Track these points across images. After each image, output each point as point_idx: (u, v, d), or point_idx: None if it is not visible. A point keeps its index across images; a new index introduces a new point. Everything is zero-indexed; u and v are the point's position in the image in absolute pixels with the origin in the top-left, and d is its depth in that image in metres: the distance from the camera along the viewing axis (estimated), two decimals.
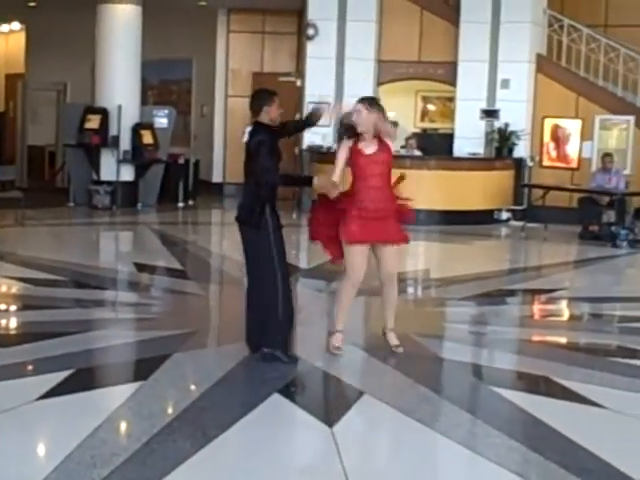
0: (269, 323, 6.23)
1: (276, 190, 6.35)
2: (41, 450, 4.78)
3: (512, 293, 9.72)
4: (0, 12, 18.42)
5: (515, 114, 15.45)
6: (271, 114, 6.33)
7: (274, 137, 6.31)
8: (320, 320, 7.60)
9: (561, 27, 15.85)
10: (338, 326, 6.63)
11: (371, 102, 6.67)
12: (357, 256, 6.45)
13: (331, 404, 5.88)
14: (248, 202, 6.33)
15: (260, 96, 6.44)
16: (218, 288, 9.76)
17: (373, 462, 4.66)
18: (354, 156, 6.48)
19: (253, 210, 6.24)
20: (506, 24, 15.51)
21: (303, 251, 13.23)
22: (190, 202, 16.75)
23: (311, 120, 6.77)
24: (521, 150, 15.49)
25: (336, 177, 6.47)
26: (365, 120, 6.46)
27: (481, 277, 10.07)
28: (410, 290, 9.99)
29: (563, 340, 7.78)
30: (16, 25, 21.23)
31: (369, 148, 6.49)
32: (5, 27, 21.32)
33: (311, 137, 16.12)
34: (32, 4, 18.44)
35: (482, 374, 6.57)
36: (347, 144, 6.54)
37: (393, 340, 6.69)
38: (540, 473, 4.45)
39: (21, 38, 21.19)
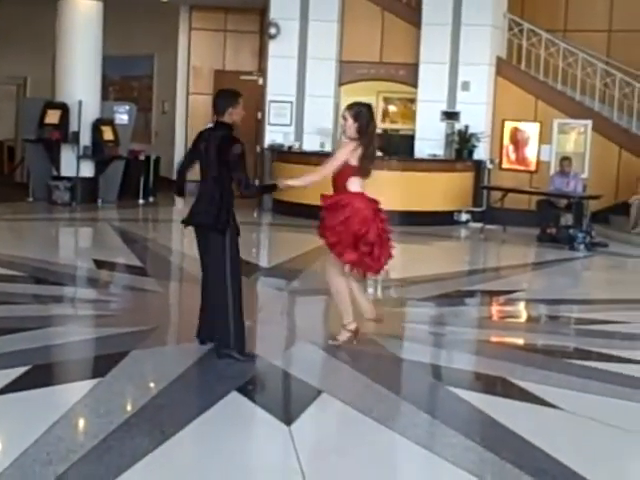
0: (221, 324, 6.25)
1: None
2: None
3: (471, 294, 9.78)
4: None
5: (475, 116, 15.55)
6: (234, 116, 6.33)
7: None
8: (280, 318, 7.60)
9: (521, 31, 15.98)
10: (349, 317, 6.87)
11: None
12: None
13: (289, 402, 5.90)
14: (213, 207, 6.25)
15: (226, 96, 6.41)
16: (177, 286, 9.72)
17: (330, 460, 4.67)
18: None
19: (219, 216, 6.22)
20: (467, 27, 15.59)
21: (263, 249, 13.26)
22: (150, 199, 16.68)
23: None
24: (481, 152, 15.59)
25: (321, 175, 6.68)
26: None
27: (440, 278, 10.13)
28: (370, 290, 10.02)
29: (520, 341, 7.85)
30: None
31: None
32: None
33: (272, 135, 16.13)
34: None
35: (440, 374, 6.61)
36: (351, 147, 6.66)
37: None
38: (495, 473, 4.49)
39: None
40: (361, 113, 6.74)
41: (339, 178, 6.65)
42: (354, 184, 6.67)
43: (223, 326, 6.23)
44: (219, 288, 6.25)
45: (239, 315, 6.27)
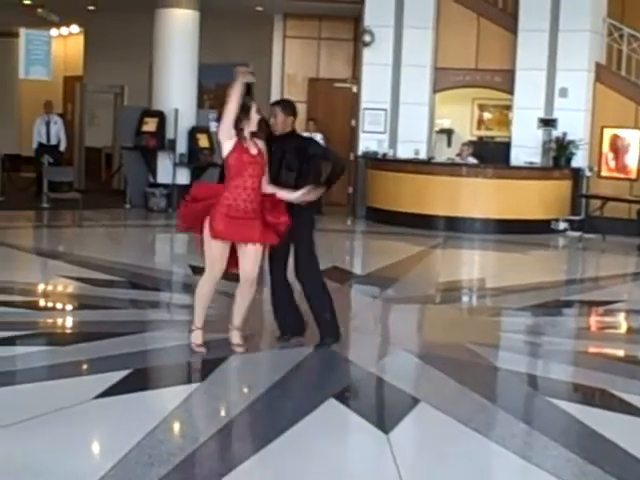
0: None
1: None
2: (99, 448, 4.82)
3: (569, 304, 9.61)
4: (59, 15, 18.62)
5: (573, 123, 15.30)
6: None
7: None
8: (374, 326, 7.56)
9: (621, 36, 15.68)
10: (199, 323, 6.58)
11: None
12: (216, 251, 6.41)
13: (386, 410, 5.86)
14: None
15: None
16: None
17: (429, 469, 4.62)
18: (238, 154, 6.36)
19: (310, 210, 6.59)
20: (565, 32, 15.35)
21: (357, 257, 13.24)
22: None
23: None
24: (579, 160, 15.32)
25: None
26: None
27: (538, 287, 9.96)
28: (465, 299, 9.93)
29: (621, 353, 7.66)
30: (75, 28, 21.47)
31: (253, 148, 6.42)
32: (64, 30, 21.56)
33: (366, 143, 16.11)
34: (91, 8, 18.64)
35: (538, 384, 6.50)
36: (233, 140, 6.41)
37: (235, 339, 6.60)
38: None
39: (80, 41, 21.44)
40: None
41: None
42: None
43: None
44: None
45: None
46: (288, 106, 6.80)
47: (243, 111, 6.39)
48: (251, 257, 6.50)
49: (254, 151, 6.40)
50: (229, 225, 6.30)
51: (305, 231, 6.75)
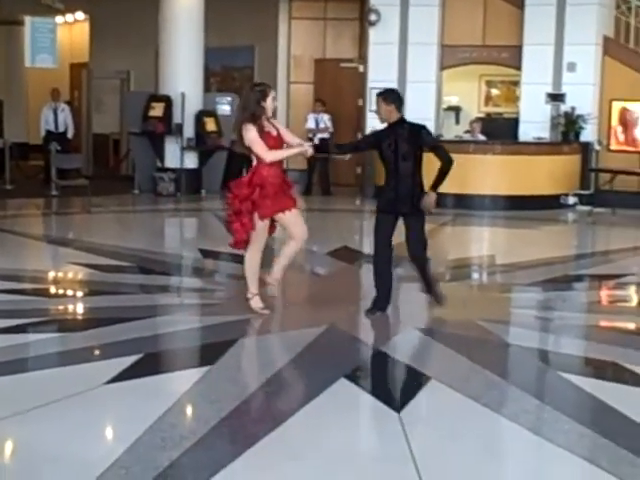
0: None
1: None
2: (111, 433, 4.84)
3: (579, 278, 9.59)
4: (65, 2, 18.59)
5: (581, 98, 15.23)
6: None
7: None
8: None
9: (629, 8, 15.59)
10: (254, 289, 7.23)
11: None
12: (263, 227, 7.11)
13: (398, 389, 5.88)
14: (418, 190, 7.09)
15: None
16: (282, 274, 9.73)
17: (441, 447, 4.62)
18: (264, 139, 6.94)
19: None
20: (572, 6, 15.26)
21: (367, 236, 13.21)
22: None
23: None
24: (588, 134, 15.27)
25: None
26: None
27: (548, 262, 9.94)
28: (476, 276, 9.92)
29: (632, 326, 7.64)
30: (80, 15, 21.46)
31: (273, 130, 7.04)
32: (69, 17, 21.54)
33: (373, 122, 15.92)
34: None
35: (549, 360, 6.48)
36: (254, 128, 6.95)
37: (272, 288, 7.40)
38: (612, 460, 4.36)
39: (85, 28, 21.41)
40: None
41: None
42: None
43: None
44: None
45: None
46: (389, 95, 7.12)
47: (262, 99, 6.92)
48: (299, 218, 7.29)
49: (274, 132, 7.06)
50: (274, 202, 7.01)
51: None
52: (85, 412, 4.90)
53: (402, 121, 7.08)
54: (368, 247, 11.67)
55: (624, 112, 15.19)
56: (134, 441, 4.37)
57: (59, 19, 19.18)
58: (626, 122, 15.20)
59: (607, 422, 4.93)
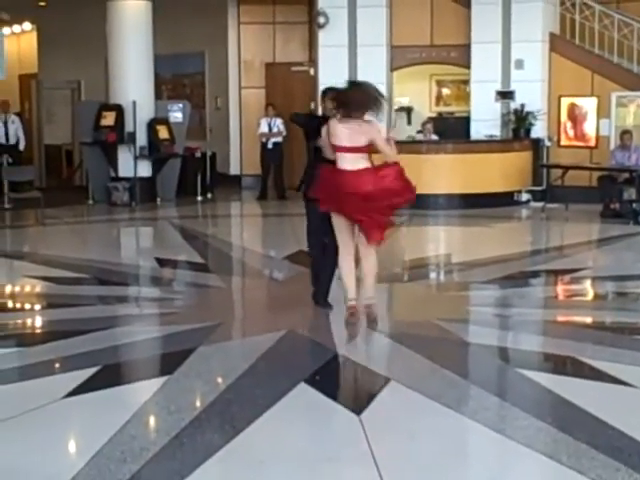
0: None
1: None
2: (71, 447, 4.80)
3: (535, 274, 9.67)
4: (11, 12, 18.44)
5: (531, 94, 15.36)
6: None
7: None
8: (342, 309, 7.56)
9: (573, 5, 15.72)
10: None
11: None
12: None
13: (358, 391, 5.88)
14: None
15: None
16: (240, 280, 9.74)
17: (402, 448, 4.64)
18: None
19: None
20: (518, 4, 15.39)
21: None
22: (209, 195, 16.76)
23: None
24: (538, 130, 15.41)
25: None
26: None
27: (503, 259, 10.02)
28: (432, 275, 9.98)
29: (589, 320, 7.74)
30: (27, 25, 21.29)
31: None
32: (17, 27, 21.36)
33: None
34: (42, 3, 18.51)
35: (508, 356, 6.55)
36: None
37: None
38: (570, 454, 4.41)
39: (33, 38, 21.26)
40: None
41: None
42: None
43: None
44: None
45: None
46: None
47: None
48: None
49: None
50: None
51: None
52: (44, 427, 4.86)
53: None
54: None
55: (573, 108, 15.37)
56: (94, 454, 4.34)
57: (6, 30, 19.02)
58: (575, 117, 15.38)
59: (565, 417, 4.98)
